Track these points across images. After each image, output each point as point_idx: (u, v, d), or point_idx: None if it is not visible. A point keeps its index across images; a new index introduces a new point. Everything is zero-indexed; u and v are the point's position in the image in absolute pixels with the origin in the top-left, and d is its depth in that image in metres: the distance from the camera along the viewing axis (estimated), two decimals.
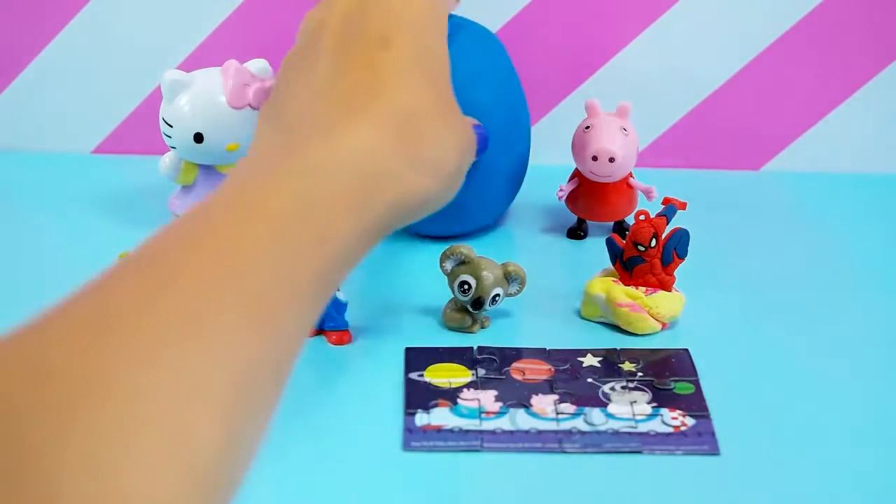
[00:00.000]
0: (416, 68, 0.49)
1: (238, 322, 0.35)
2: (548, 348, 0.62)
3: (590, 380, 0.59)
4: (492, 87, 0.69)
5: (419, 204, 0.47)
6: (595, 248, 0.71)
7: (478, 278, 0.62)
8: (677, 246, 0.63)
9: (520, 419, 0.56)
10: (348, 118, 0.46)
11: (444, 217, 0.71)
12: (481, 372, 0.60)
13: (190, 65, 0.82)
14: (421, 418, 0.56)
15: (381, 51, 0.48)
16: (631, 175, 0.73)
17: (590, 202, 0.74)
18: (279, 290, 0.37)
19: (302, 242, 0.39)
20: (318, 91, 0.48)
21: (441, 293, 0.64)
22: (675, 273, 0.63)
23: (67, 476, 0.28)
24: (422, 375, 0.59)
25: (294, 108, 0.48)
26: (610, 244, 0.65)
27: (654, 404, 0.57)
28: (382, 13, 0.49)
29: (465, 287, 0.62)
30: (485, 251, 0.64)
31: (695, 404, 0.57)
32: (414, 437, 0.55)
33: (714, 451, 0.54)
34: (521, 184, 0.74)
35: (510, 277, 0.63)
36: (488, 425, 0.55)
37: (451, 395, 0.58)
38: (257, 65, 0.73)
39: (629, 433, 0.55)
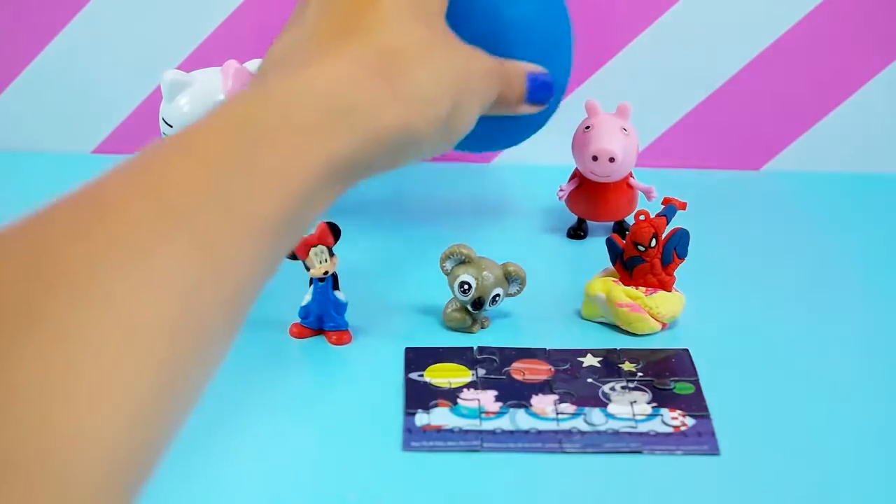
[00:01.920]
0: (406, 7, 0.47)
1: (179, 254, 0.33)
2: (548, 348, 0.62)
3: (590, 380, 0.59)
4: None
5: (402, 140, 0.44)
6: (595, 248, 0.71)
7: (478, 278, 0.62)
8: (677, 246, 0.63)
9: (520, 419, 0.56)
10: (322, 55, 0.44)
11: (477, 133, 0.64)
12: (481, 372, 0.60)
13: (190, 65, 0.82)
14: (421, 418, 0.56)
15: None
16: (631, 175, 0.73)
17: (590, 202, 0.74)
18: (227, 224, 0.35)
19: (255, 176, 0.37)
20: (298, 36, 0.46)
21: (441, 293, 0.64)
22: (675, 273, 0.63)
23: (2, 404, 0.28)
24: (422, 375, 0.59)
25: (273, 54, 0.46)
26: (610, 244, 0.65)
27: (654, 404, 0.57)
28: None
29: (465, 287, 0.62)
30: (485, 251, 0.64)
31: (695, 404, 0.57)
32: (414, 437, 0.54)
33: (714, 451, 0.54)
34: (559, 99, 0.66)
35: (510, 277, 0.63)
36: (488, 425, 0.55)
37: (451, 395, 0.58)
38: (257, 65, 0.73)
39: (629, 433, 0.55)
